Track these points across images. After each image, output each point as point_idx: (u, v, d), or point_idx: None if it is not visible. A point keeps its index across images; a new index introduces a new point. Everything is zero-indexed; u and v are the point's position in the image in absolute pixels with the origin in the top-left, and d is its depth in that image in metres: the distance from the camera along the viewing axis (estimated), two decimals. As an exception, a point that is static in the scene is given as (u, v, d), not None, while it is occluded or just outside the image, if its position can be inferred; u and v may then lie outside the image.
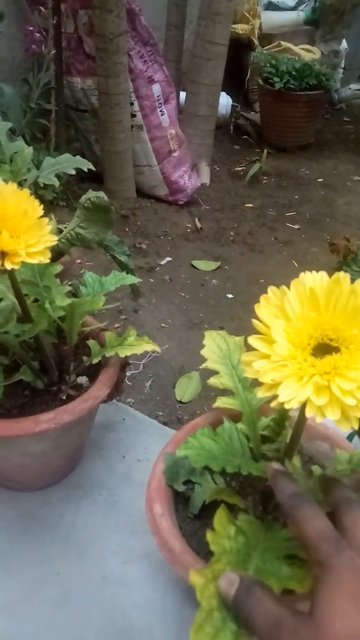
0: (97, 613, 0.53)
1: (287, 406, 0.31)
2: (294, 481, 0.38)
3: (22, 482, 0.63)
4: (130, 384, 0.90)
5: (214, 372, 0.53)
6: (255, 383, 0.51)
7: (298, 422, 0.39)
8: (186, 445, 0.40)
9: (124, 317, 1.09)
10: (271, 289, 0.35)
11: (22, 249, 0.40)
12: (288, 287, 0.35)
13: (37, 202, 0.42)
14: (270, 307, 0.34)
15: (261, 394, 0.33)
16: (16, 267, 0.40)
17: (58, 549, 0.59)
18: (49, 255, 0.41)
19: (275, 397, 0.32)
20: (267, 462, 0.41)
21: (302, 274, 0.36)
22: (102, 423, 0.76)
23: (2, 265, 0.41)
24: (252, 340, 0.34)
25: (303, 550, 0.35)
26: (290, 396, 0.31)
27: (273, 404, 0.32)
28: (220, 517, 0.39)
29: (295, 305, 0.34)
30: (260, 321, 0.34)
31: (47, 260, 0.41)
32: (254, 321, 0.34)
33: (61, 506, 0.64)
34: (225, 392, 0.55)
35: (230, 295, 1.24)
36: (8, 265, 0.40)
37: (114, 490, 0.66)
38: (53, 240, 0.42)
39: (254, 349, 0.34)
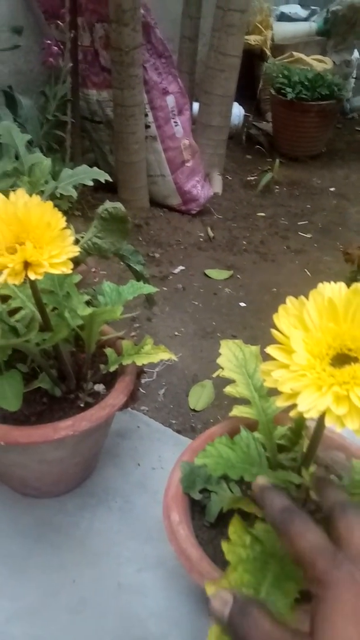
0: (112, 620, 0.53)
1: (306, 416, 0.31)
2: (282, 495, 0.37)
3: (39, 489, 0.64)
4: (144, 391, 0.91)
5: (227, 381, 0.53)
6: (272, 392, 0.52)
7: (316, 431, 0.39)
8: (204, 453, 0.40)
9: (137, 325, 1.10)
10: (289, 299, 0.36)
11: (45, 259, 0.41)
12: (301, 295, 0.36)
13: (60, 214, 0.43)
14: (289, 317, 0.35)
15: (280, 403, 0.33)
16: (39, 277, 0.41)
17: (74, 556, 0.59)
18: (71, 266, 0.42)
19: (294, 406, 0.32)
20: (284, 471, 0.42)
21: (320, 285, 0.36)
22: (116, 431, 0.76)
23: (26, 275, 0.41)
24: (271, 349, 0.34)
25: (298, 567, 0.33)
26: (309, 406, 0.31)
27: (292, 413, 0.32)
28: (235, 526, 0.39)
29: (314, 315, 0.34)
30: (279, 331, 0.35)
31: (70, 271, 0.42)
32: (273, 331, 0.35)
33: (77, 513, 0.64)
34: (238, 400, 0.55)
35: (242, 304, 1.24)
36: (31, 276, 0.41)
37: (129, 497, 0.67)
38: (75, 251, 0.43)
39: (272, 359, 0.34)
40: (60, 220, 0.43)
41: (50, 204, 0.43)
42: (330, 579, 0.30)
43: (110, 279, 1.34)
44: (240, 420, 0.51)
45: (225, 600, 0.32)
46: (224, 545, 0.38)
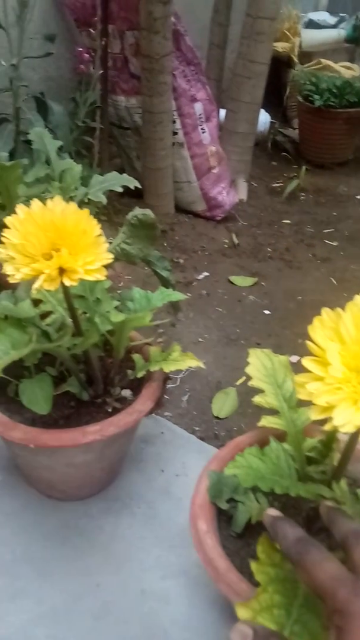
0: (136, 627, 0.53)
1: (341, 430, 0.31)
2: (294, 525, 0.36)
3: (65, 492, 0.64)
4: (167, 397, 0.91)
5: (251, 388, 0.53)
6: (301, 403, 0.51)
7: (348, 445, 0.39)
8: (234, 463, 0.40)
9: (161, 330, 1.10)
10: (325, 311, 0.35)
11: (80, 266, 0.42)
12: (327, 305, 0.35)
13: (95, 221, 0.43)
14: (324, 329, 0.34)
15: (314, 416, 0.33)
16: (74, 284, 0.42)
17: (97, 561, 0.60)
18: (105, 272, 0.43)
19: (328, 419, 0.32)
20: (314, 484, 0.41)
21: (357, 297, 0.36)
22: (141, 436, 0.77)
23: (61, 281, 0.42)
24: (306, 361, 0.34)
25: (318, 599, 0.32)
26: (345, 420, 0.31)
27: (327, 427, 0.32)
28: (263, 545, 0.38)
29: (351, 327, 0.34)
30: (314, 343, 0.34)
31: (104, 278, 0.42)
32: (308, 343, 0.34)
33: (101, 517, 0.65)
34: (262, 409, 0.55)
35: (267, 312, 1.23)
36: (66, 282, 0.42)
37: (153, 503, 0.67)
38: (109, 258, 0.43)
39: (306, 370, 0.34)
40: (95, 227, 0.43)
41: (86, 211, 0.43)
42: (353, 608, 0.29)
43: (135, 283, 1.35)
44: (268, 430, 0.51)
45: (245, 634, 0.32)
46: (253, 566, 0.37)
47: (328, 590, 0.31)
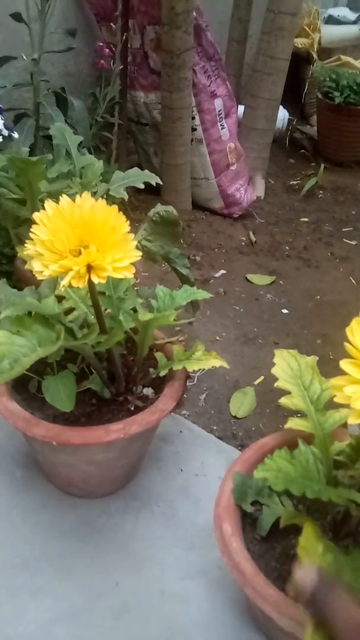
0: (156, 628, 0.53)
1: (382, 436, 0.30)
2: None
3: (84, 489, 0.64)
4: (185, 396, 0.90)
5: (270, 388, 0.52)
6: (329, 405, 0.50)
7: (382, 450, 0.38)
8: (264, 467, 0.39)
9: (178, 328, 1.09)
10: (363, 314, 0.34)
11: (108, 263, 0.41)
12: (347, 305, 0.35)
13: (124, 217, 0.43)
14: (363, 332, 0.33)
15: (353, 420, 0.32)
16: (102, 281, 0.41)
17: (117, 559, 0.59)
18: (134, 270, 0.42)
19: (367, 425, 0.31)
20: (345, 488, 0.40)
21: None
22: (159, 434, 0.76)
23: (89, 278, 0.41)
24: (344, 364, 0.33)
25: None
26: (385, 425, 0.30)
27: (366, 433, 0.31)
28: (307, 534, 0.38)
29: (390, 331, 0.33)
30: (353, 345, 0.33)
31: (132, 276, 0.42)
32: (347, 345, 0.34)
33: (119, 516, 0.64)
34: (281, 409, 0.53)
35: (285, 311, 1.22)
36: (95, 279, 0.41)
37: (172, 503, 0.66)
38: (138, 255, 0.42)
39: (344, 373, 0.33)
40: (124, 224, 0.43)
41: (115, 207, 0.43)
42: None
43: (152, 281, 1.34)
44: (293, 432, 0.50)
45: (311, 574, 0.32)
46: (300, 550, 0.36)
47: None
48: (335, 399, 0.33)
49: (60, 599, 0.55)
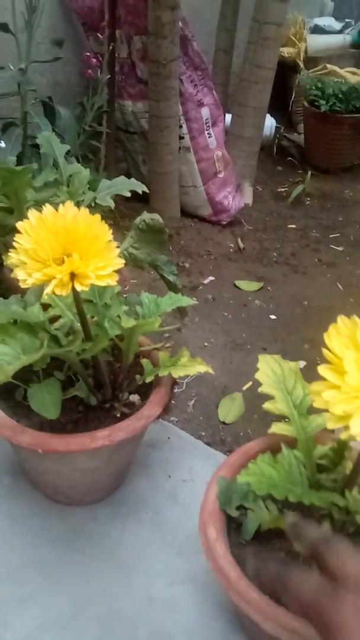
0: (144, 635, 0.53)
1: (359, 439, 0.31)
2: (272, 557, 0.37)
3: (71, 497, 0.64)
4: (173, 402, 0.91)
5: (257, 394, 0.52)
6: (312, 410, 0.51)
7: (362, 453, 0.39)
8: (247, 471, 0.39)
9: (167, 335, 1.10)
10: (341, 319, 0.35)
11: (91, 271, 0.41)
12: (333, 310, 0.35)
13: (106, 226, 0.43)
14: (340, 337, 0.34)
15: (330, 425, 0.32)
16: (85, 289, 0.41)
17: (105, 566, 0.59)
18: (117, 277, 0.43)
19: (345, 428, 0.32)
20: (327, 492, 0.41)
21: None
22: (147, 441, 0.76)
23: (72, 286, 0.42)
24: (322, 369, 0.34)
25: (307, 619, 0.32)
26: (361, 428, 0.31)
27: (344, 436, 0.32)
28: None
29: (367, 336, 0.34)
30: (330, 351, 0.34)
31: (115, 283, 0.42)
32: (324, 350, 0.34)
33: (107, 523, 0.64)
34: (269, 415, 0.54)
35: (273, 317, 1.23)
36: (78, 287, 0.42)
37: (160, 509, 0.66)
38: (120, 263, 0.43)
39: (322, 378, 0.34)
40: (107, 232, 0.43)
41: (98, 216, 0.43)
42: (337, 617, 0.29)
43: (140, 287, 1.35)
44: (278, 437, 0.50)
45: (295, 521, 0.35)
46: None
47: (312, 605, 0.31)
48: (315, 404, 0.33)
49: (47, 607, 0.55)
